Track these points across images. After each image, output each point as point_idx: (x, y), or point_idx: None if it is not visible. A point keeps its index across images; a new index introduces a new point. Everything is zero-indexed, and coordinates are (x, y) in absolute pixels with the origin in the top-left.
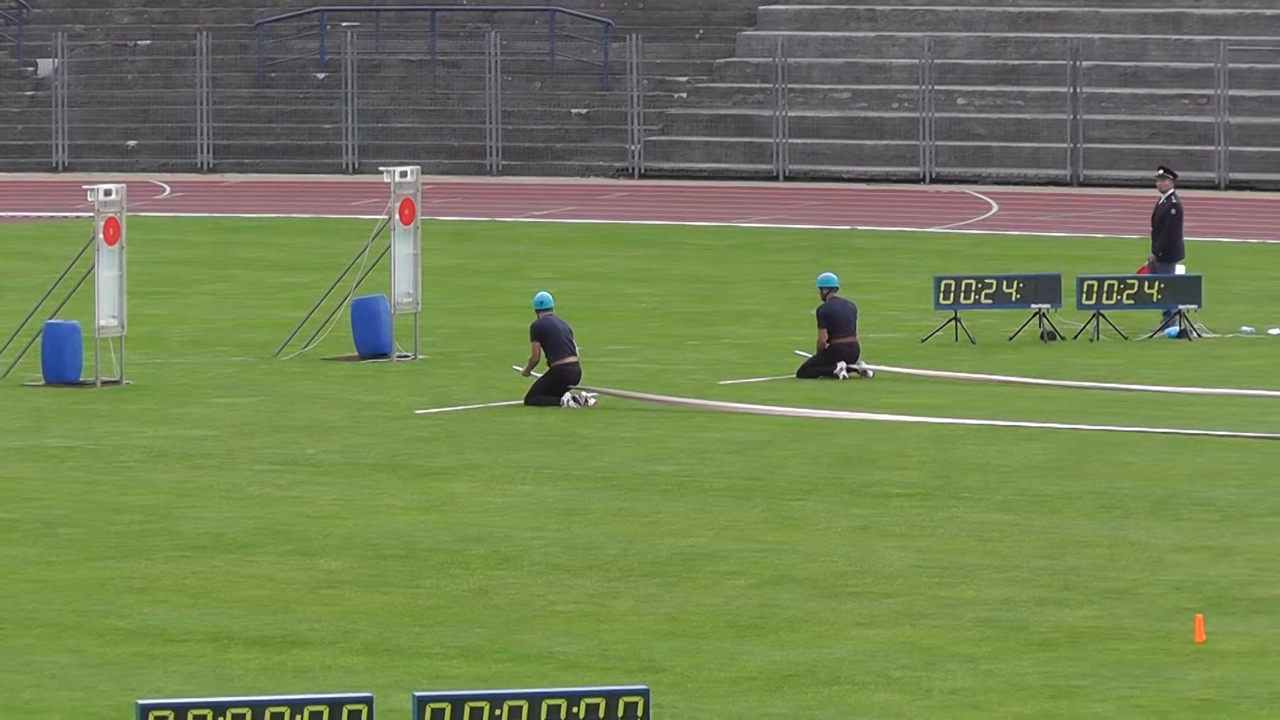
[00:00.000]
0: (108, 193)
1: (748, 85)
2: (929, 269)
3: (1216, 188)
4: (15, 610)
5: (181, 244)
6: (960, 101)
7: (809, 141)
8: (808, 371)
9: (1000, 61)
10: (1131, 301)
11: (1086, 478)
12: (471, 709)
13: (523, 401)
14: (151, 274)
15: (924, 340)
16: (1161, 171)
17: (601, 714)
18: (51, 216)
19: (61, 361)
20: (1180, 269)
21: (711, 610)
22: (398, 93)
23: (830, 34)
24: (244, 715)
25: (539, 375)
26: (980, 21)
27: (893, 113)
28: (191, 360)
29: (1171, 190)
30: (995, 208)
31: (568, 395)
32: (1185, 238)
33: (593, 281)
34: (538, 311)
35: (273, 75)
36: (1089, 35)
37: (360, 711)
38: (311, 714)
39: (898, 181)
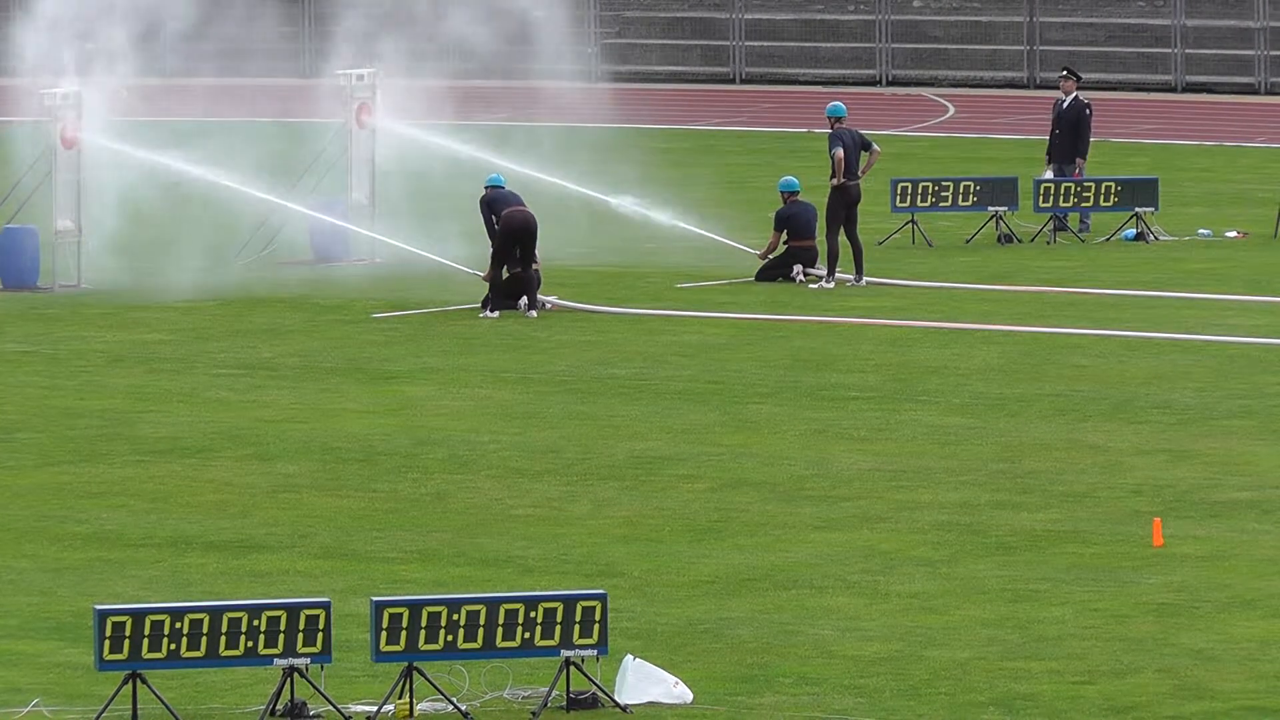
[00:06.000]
0: (65, 96)
1: None
2: (886, 172)
3: (1174, 90)
4: None
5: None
6: (916, 4)
7: (765, 44)
8: (765, 274)
9: None
10: (1087, 204)
11: (1044, 380)
12: (429, 613)
13: (480, 305)
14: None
15: (881, 243)
16: (1066, 73)
17: (559, 618)
18: (8, 120)
19: (20, 266)
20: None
21: (669, 514)
22: None
23: None
24: (201, 620)
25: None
26: None
27: (849, 15)
28: (150, 264)
29: (1075, 92)
30: (951, 110)
31: (524, 299)
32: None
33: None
34: (488, 188)
35: None
36: None
37: (318, 616)
38: (269, 619)
39: (854, 84)
